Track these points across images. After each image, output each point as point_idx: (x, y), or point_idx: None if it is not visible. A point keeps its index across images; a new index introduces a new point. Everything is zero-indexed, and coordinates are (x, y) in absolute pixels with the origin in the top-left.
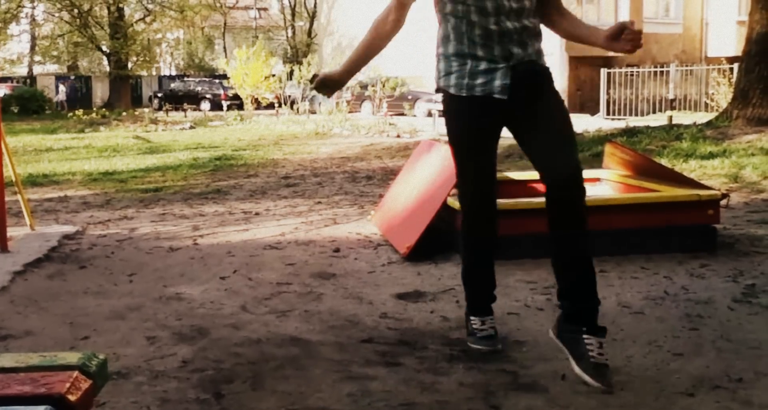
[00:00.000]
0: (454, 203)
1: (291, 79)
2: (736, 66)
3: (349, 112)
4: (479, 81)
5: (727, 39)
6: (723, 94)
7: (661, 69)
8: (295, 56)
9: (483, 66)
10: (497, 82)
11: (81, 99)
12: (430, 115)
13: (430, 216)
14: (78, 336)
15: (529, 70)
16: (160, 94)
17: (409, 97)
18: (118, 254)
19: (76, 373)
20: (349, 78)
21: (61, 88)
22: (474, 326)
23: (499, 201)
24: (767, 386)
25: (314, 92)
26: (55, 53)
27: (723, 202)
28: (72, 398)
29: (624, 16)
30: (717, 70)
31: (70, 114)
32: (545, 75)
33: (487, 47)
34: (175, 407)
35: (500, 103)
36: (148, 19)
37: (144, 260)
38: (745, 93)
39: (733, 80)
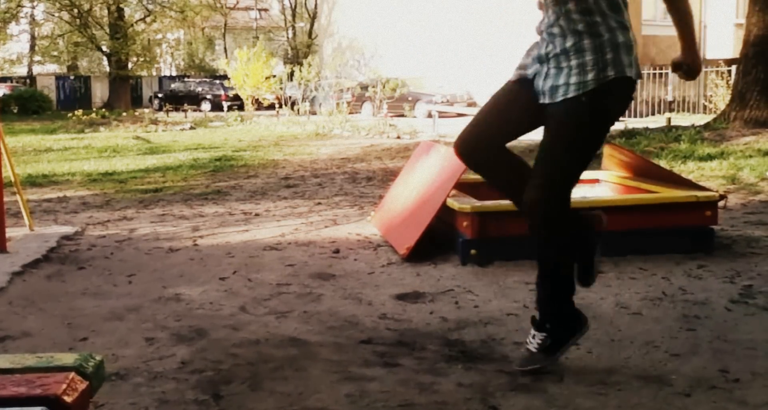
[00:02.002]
0: (454, 204)
1: (291, 79)
2: (734, 68)
3: (350, 113)
4: None
5: (725, 41)
6: (721, 96)
7: (660, 71)
8: (296, 57)
9: None
10: None
11: (80, 99)
12: (430, 116)
13: (430, 218)
14: (76, 337)
15: None
16: (160, 95)
17: (410, 99)
18: (117, 255)
19: (72, 374)
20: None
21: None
22: None
23: (499, 202)
24: (763, 386)
25: (315, 93)
26: (54, 53)
27: (721, 204)
28: (68, 399)
29: None
30: (715, 72)
31: (70, 114)
32: None
33: None
34: (174, 408)
35: None
36: (148, 20)
37: (143, 261)
38: (742, 95)
39: (731, 82)
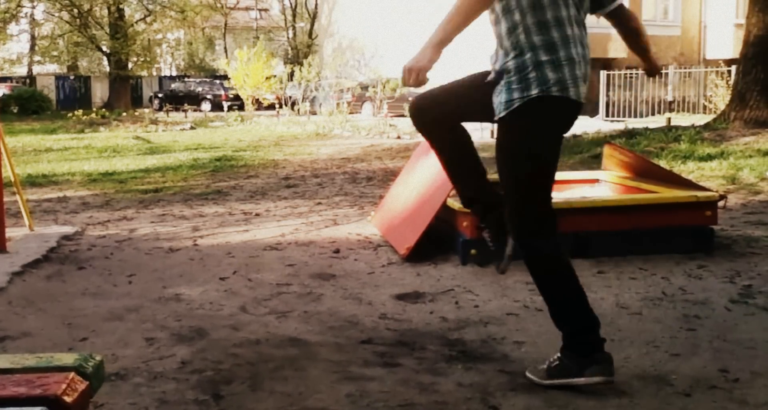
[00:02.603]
0: (454, 204)
1: (292, 79)
2: (733, 68)
3: (350, 113)
4: None
5: (725, 41)
6: (721, 96)
7: (660, 71)
8: (296, 57)
9: None
10: None
11: (80, 99)
12: None
13: (430, 218)
14: (76, 338)
15: None
16: (160, 95)
17: (410, 99)
18: (117, 255)
19: (72, 374)
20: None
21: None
22: None
23: None
24: (763, 386)
25: (315, 93)
26: (55, 53)
27: (720, 204)
28: (68, 399)
29: None
30: (715, 73)
31: (70, 114)
32: None
33: None
34: (174, 408)
35: None
36: (148, 20)
37: (143, 261)
38: (742, 95)
39: (731, 82)
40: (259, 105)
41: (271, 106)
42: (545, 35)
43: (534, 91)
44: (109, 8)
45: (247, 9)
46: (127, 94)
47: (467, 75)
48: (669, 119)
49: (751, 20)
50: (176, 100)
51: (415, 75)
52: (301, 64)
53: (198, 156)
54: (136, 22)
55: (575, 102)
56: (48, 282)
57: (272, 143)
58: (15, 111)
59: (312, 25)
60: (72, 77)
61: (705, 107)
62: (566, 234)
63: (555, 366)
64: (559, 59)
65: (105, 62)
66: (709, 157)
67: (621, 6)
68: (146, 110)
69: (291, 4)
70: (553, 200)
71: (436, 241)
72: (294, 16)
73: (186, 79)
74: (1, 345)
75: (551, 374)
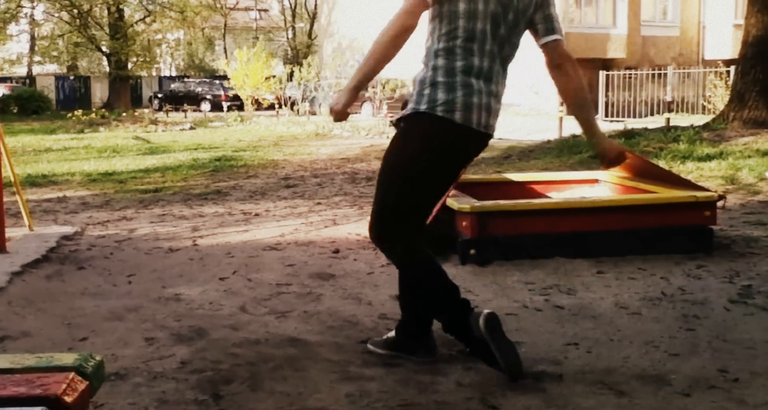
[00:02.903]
0: (453, 204)
1: (291, 80)
2: (732, 68)
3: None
4: None
5: (724, 42)
6: (720, 97)
7: (659, 71)
8: (296, 57)
9: None
10: None
11: (80, 99)
12: None
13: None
14: (76, 337)
15: None
16: (160, 95)
17: (409, 99)
18: (117, 255)
19: (72, 374)
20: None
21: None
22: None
23: (499, 202)
24: (762, 386)
25: (314, 93)
26: (54, 53)
27: (719, 204)
28: (68, 399)
29: (622, 19)
30: (714, 73)
31: (70, 114)
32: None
33: None
34: (173, 408)
35: None
36: (148, 20)
37: (143, 261)
38: (741, 95)
39: (730, 83)
40: (258, 105)
41: (271, 107)
42: (449, 60)
43: (422, 107)
44: (108, 8)
45: (246, 9)
46: (126, 94)
47: None
48: (668, 119)
49: (750, 21)
50: (176, 100)
51: (335, 115)
52: (301, 65)
53: (198, 156)
54: (136, 23)
55: (464, 127)
56: (48, 282)
57: (272, 143)
58: (15, 111)
59: (311, 25)
60: (72, 77)
61: (704, 107)
62: (566, 234)
63: (389, 341)
64: (454, 83)
65: (105, 62)
66: (708, 158)
67: (556, 43)
68: (146, 110)
69: (290, 4)
70: (553, 200)
71: (435, 241)
72: (293, 16)
73: (186, 80)
74: (1, 345)
75: (393, 350)
